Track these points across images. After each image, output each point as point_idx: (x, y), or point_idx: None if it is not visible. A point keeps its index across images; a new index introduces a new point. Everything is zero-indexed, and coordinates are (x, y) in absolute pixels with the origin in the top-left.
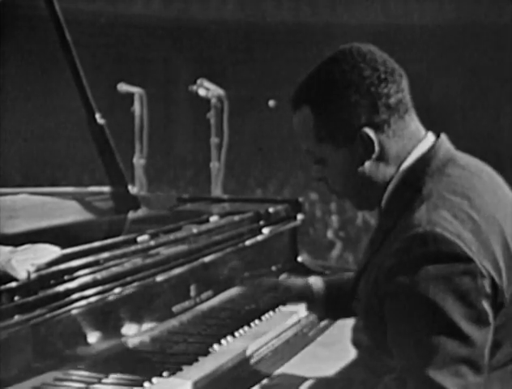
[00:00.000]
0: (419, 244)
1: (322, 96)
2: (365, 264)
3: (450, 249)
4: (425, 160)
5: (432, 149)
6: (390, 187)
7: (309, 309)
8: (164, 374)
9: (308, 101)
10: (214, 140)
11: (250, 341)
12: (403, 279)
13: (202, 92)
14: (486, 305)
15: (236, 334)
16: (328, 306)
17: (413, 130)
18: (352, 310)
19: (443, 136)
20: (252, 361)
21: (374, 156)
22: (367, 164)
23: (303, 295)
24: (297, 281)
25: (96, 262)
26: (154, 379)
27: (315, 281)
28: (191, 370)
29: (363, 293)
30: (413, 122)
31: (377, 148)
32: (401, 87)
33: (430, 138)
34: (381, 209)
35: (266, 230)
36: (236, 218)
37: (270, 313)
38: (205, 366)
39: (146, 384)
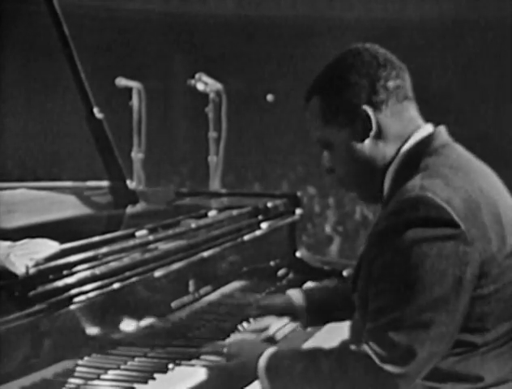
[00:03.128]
0: (409, 207)
1: (327, 81)
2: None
3: (438, 213)
4: (425, 143)
5: (432, 135)
6: (393, 167)
7: (293, 320)
8: (163, 369)
9: (316, 90)
10: (212, 134)
11: (250, 337)
12: (392, 241)
13: (200, 87)
14: (466, 272)
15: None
16: (311, 316)
17: (413, 116)
18: (336, 316)
19: (442, 127)
20: None
21: (372, 133)
22: (367, 142)
23: (285, 310)
24: (277, 298)
25: (95, 257)
26: (152, 375)
27: (295, 294)
28: (190, 366)
29: (363, 270)
30: (412, 110)
31: (374, 126)
32: (400, 76)
33: (430, 126)
34: (383, 201)
35: (264, 225)
36: (235, 212)
37: None
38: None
39: (144, 380)
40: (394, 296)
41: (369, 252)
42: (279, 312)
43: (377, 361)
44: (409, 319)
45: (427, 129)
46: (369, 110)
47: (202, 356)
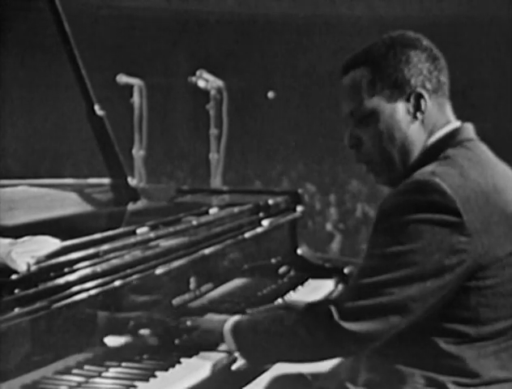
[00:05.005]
0: (415, 189)
1: (385, 52)
2: None
3: (442, 199)
4: (450, 136)
5: (458, 129)
6: (416, 156)
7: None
8: (165, 366)
9: (366, 61)
10: (213, 131)
11: None
12: (392, 218)
13: (201, 84)
14: (454, 260)
15: None
16: None
17: (448, 112)
18: None
19: (469, 123)
20: None
21: (421, 117)
22: (413, 125)
23: None
24: None
25: (96, 255)
26: (154, 373)
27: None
28: (191, 364)
29: None
30: (448, 107)
31: (425, 110)
32: (446, 75)
33: (458, 122)
34: None
35: (265, 222)
36: (236, 210)
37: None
38: (204, 361)
39: (146, 378)
40: (376, 263)
41: (373, 230)
42: None
43: (335, 316)
44: (381, 286)
45: (455, 124)
46: (426, 94)
47: (202, 353)
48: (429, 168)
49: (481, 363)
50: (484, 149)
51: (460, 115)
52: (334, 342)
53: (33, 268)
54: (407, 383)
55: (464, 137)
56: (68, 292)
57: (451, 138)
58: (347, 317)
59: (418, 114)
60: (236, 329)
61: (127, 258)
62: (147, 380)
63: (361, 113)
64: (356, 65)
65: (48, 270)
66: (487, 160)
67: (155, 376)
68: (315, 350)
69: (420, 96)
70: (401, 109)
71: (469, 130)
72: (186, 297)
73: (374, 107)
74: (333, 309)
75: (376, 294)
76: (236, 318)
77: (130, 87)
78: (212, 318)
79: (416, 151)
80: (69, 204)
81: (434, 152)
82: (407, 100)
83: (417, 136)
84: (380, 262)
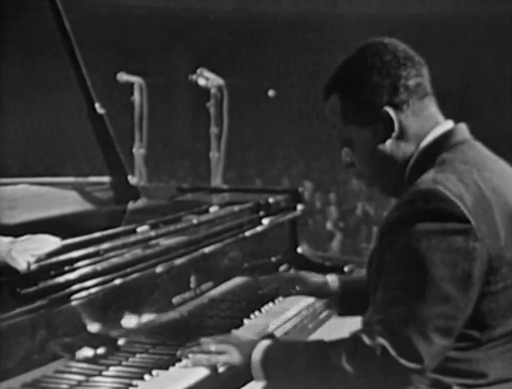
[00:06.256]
0: (420, 199)
1: (347, 81)
2: None
3: (449, 207)
4: (443, 138)
5: (451, 131)
6: (411, 162)
7: (327, 307)
8: (164, 365)
9: (335, 88)
10: (213, 130)
11: (250, 333)
12: (402, 232)
13: (201, 82)
14: (475, 267)
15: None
16: (344, 304)
17: (432, 113)
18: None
19: (463, 124)
20: None
21: (394, 134)
22: (388, 142)
23: (319, 292)
24: (316, 277)
25: (96, 253)
26: (154, 372)
27: (332, 280)
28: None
29: (374, 261)
30: (432, 107)
31: (396, 127)
32: (420, 73)
33: (450, 123)
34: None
35: (266, 221)
36: (236, 208)
37: (270, 304)
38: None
39: (146, 376)
40: (403, 288)
41: (380, 243)
42: (313, 289)
43: (393, 353)
44: (419, 313)
45: (446, 125)
46: (391, 111)
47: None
48: (429, 175)
49: (488, 364)
50: (479, 149)
51: (459, 115)
52: (391, 377)
53: (33, 267)
54: (412, 384)
55: (458, 139)
56: (68, 290)
57: (444, 142)
58: (403, 355)
59: (392, 133)
60: (268, 362)
61: (127, 256)
62: (146, 379)
63: (341, 139)
64: (329, 92)
65: (48, 268)
66: (484, 162)
67: (155, 375)
68: (365, 385)
69: (388, 116)
70: (372, 132)
71: (463, 131)
72: (186, 295)
73: (349, 135)
74: (386, 344)
75: (420, 324)
76: (265, 346)
77: (130, 86)
78: (241, 341)
79: (403, 163)
80: (69, 203)
81: (428, 157)
82: (376, 122)
83: (401, 150)
84: (408, 288)
